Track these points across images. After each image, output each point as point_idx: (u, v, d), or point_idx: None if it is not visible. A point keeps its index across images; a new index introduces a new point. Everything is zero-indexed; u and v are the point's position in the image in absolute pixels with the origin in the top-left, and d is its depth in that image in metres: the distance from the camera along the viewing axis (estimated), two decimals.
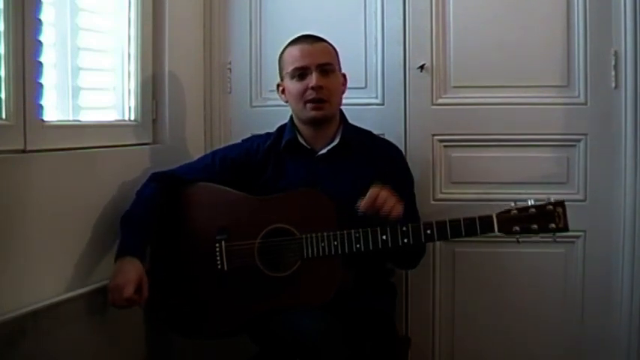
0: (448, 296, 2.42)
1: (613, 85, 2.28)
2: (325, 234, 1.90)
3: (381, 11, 2.41)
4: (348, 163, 2.07)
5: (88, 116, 2.07)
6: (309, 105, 2.03)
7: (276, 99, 2.18)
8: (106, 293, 1.86)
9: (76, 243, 1.88)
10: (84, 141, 1.94)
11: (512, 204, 1.85)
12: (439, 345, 2.44)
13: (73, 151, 1.88)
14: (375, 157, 2.10)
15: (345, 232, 1.89)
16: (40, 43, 1.75)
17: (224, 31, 2.52)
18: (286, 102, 2.11)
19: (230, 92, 2.54)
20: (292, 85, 2.05)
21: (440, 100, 2.39)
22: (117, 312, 1.89)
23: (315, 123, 2.07)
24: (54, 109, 1.92)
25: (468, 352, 2.43)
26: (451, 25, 2.37)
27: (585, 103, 2.32)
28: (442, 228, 1.86)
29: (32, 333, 1.65)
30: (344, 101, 2.17)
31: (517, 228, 1.83)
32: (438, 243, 2.38)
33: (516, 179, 2.34)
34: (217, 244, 1.96)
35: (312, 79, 2.01)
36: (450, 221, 1.85)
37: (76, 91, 2.02)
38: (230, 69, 2.53)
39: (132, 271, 1.86)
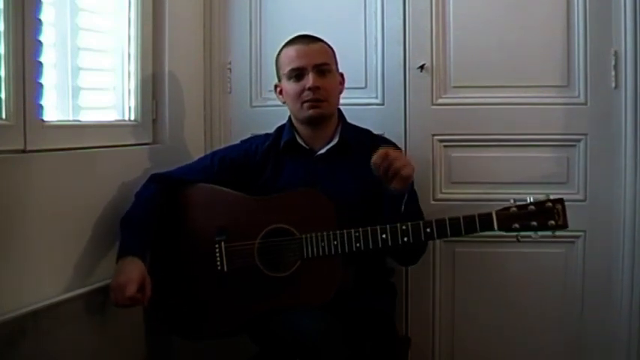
0: (448, 296, 2.42)
1: (613, 85, 2.28)
2: (325, 233, 1.90)
3: (381, 11, 2.41)
4: (347, 162, 2.07)
5: (88, 116, 2.07)
6: (306, 105, 2.03)
7: (276, 99, 2.18)
8: (105, 293, 1.87)
9: (76, 243, 1.88)
10: (84, 141, 1.94)
11: (512, 201, 1.85)
12: (439, 345, 2.44)
13: (73, 151, 1.88)
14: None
15: (344, 231, 1.89)
16: (40, 43, 1.75)
17: (224, 31, 2.53)
18: (284, 103, 2.11)
19: (230, 92, 2.54)
20: (289, 86, 2.05)
21: (440, 100, 2.39)
22: (117, 312, 1.89)
23: (312, 122, 2.07)
24: (54, 109, 1.93)
25: (468, 352, 2.43)
26: (451, 25, 2.37)
27: (585, 103, 2.32)
28: (442, 226, 1.86)
29: (32, 333, 1.65)
30: (344, 101, 2.17)
31: (516, 225, 1.83)
32: (438, 243, 2.38)
33: (516, 179, 2.34)
34: (217, 245, 1.96)
35: (309, 80, 2.01)
36: (449, 219, 1.85)
37: (76, 91, 2.02)
38: (230, 69, 2.53)
39: (134, 270, 1.86)
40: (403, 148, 2.34)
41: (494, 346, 2.40)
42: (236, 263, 1.95)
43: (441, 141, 2.40)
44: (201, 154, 2.33)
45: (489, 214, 1.84)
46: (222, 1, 2.52)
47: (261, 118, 2.45)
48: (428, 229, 1.86)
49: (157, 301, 1.93)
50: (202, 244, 1.99)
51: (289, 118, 2.14)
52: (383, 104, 2.43)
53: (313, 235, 1.90)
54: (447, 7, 2.37)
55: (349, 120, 2.16)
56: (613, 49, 2.26)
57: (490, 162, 2.38)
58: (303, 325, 1.81)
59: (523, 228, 1.83)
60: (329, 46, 2.10)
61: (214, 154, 2.18)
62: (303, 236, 1.91)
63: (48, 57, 1.81)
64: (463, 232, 1.86)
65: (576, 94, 2.33)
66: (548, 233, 1.84)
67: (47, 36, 1.80)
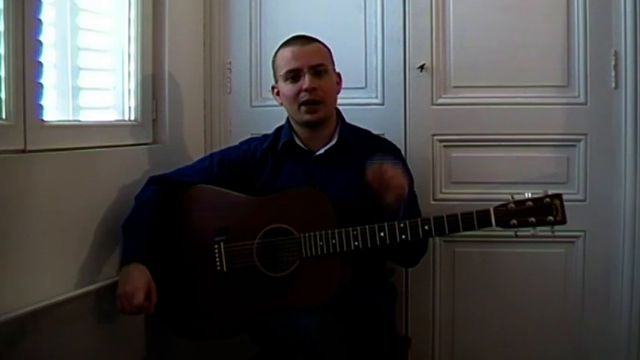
0: (448, 296, 2.42)
1: (613, 85, 2.28)
2: (323, 232, 1.89)
3: (381, 11, 2.41)
4: (346, 163, 2.06)
5: (88, 116, 2.07)
6: (303, 108, 2.02)
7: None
8: (105, 293, 1.87)
9: (76, 243, 1.88)
10: (84, 141, 1.94)
11: (510, 197, 1.85)
12: (439, 345, 2.44)
13: (73, 151, 1.88)
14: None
15: (342, 230, 1.89)
16: (40, 43, 1.75)
17: (224, 31, 2.52)
18: (281, 104, 2.11)
19: (230, 92, 2.54)
20: (286, 88, 2.05)
21: (440, 100, 2.39)
22: (117, 312, 1.89)
23: (310, 126, 2.06)
24: (54, 109, 1.93)
25: (468, 352, 2.43)
26: (451, 25, 2.37)
27: (585, 103, 2.32)
28: (439, 223, 1.85)
29: (32, 333, 1.65)
30: (344, 101, 2.16)
31: (515, 222, 1.82)
32: (438, 243, 2.39)
33: (516, 179, 2.34)
34: (216, 245, 1.96)
35: (305, 82, 2.01)
36: (447, 216, 1.85)
37: (76, 91, 2.02)
38: (230, 69, 2.53)
39: (140, 277, 1.86)
40: (403, 148, 2.34)
41: (494, 346, 2.40)
42: (235, 263, 1.95)
43: (441, 141, 2.40)
44: (201, 154, 2.34)
45: (487, 211, 1.84)
46: (222, 1, 2.52)
47: (261, 118, 2.45)
48: (426, 227, 1.86)
49: (157, 301, 1.93)
50: (202, 244, 1.99)
51: (287, 119, 2.14)
52: (383, 104, 2.43)
53: (311, 234, 1.90)
54: (447, 7, 2.37)
55: (349, 120, 2.16)
56: (613, 49, 2.26)
57: (490, 162, 2.38)
58: (304, 325, 1.80)
59: (521, 224, 1.82)
60: (325, 46, 2.09)
61: (213, 155, 2.18)
62: (302, 235, 1.91)
63: (48, 57, 1.81)
64: (461, 229, 1.85)
65: (576, 94, 2.33)
66: (548, 229, 1.84)
67: (47, 36, 1.80)
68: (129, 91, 2.22)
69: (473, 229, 1.85)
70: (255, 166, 2.11)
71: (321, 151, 2.08)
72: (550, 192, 1.84)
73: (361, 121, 2.21)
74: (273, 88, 2.14)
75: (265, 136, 2.17)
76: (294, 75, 2.03)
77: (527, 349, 2.38)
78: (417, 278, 2.41)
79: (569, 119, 2.33)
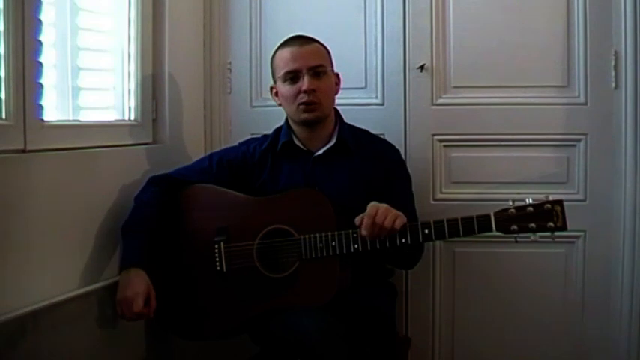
0: (448, 296, 2.42)
1: (613, 85, 2.28)
2: (323, 234, 1.89)
3: (381, 11, 2.41)
4: (345, 163, 2.06)
5: (88, 116, 2.07)
6: (301, 107, 2.02)
7: None
8: (105, 293, 1.87)
9: (77, 243, 1.88)
10: (84, 141, 1.94)
11: (510, 203, 1.85)
12: (439, 345, 2.44)
13: (73, 151, 1.88)
14: (372, 156, 2.09)
15: (342, 232, 1.88)
16: (40, 43, 1.75)
17: (224, 31, 2.53)
18: (280, 105, 2.11)
19: (230, 92, 2.54)
20: (284, 89, 2.05)
21: (440, 100, 2.39)
22: (117, 312, 1.88)
23: (308, 125, 2.06)
24: (54, 109, 1.92)
25: (468, 352, 2.43)
26: (451, 25, 2.37)
27: (585, 103, 2.32)
28: (440, 227, 1.85)
29: (32, 333, 1.65)
30: (344, 101, 2.16)
31: (515, 227, 1.82)
32: (437, 243, 2.38)
33: (516, 179, 2.34)
34: (216, 245, 1.96)
35: (304, 83, 2.00)
36: (447, 220, 1.85)
37: (76, 91, 2.02)
38: (230, 69, 2.53)
39: (139, 283, 1.86)
40: (403, 148, 2.34)
41: (494, 346, 2.40)
42: (235, 264, 1.95)
43: (441, 141, 2.40)
44: (201, 154, 2.34)
45: (487, 216, 1.84)
46: (222, 1, 2.52)
47: (260, 118, 2.45)
48: (426, 231, 1.85)
49: (157, 301, 1.93)
50: (202, 244, 1.99)
51: (286, 119, 2.14)
52: (383, 104, 2.43)
53: (311, 236, 1.90)
54: (447, 7, 2.37)
55: (349, 120, 2.16)
56: (613, 49, 2.26)
57: (490, 162, 2.38)
58: (304, 325, 1.80)
59: (521, 230, 1.82)
60: (324, 46, 2.09)
61: (212, 155, 2.17)
62: (302, 237, 1.91)
63: (48, 57, 1.81)
64: (461, 234, 1.84)
65: (576, 94, 2.33)
66: (548, 234, 1.84)
67: (47, 36, 1.80)
68: (129, 91, 2.22)
69: (473, 234, 1.85)
70: (254, 166, 2.11)
71: (320, 152, 2.08)
72: (551, 197, 1.83)
73: (361, 121, 2.21)
74: (271, 88, 2.13)
75: (264, 136, 2.17)
76: (292, 76, 2.02)
77: (527, 349, 2.38)
78: (417, 278, 2.41)
79: (569, 119, 2.33)
